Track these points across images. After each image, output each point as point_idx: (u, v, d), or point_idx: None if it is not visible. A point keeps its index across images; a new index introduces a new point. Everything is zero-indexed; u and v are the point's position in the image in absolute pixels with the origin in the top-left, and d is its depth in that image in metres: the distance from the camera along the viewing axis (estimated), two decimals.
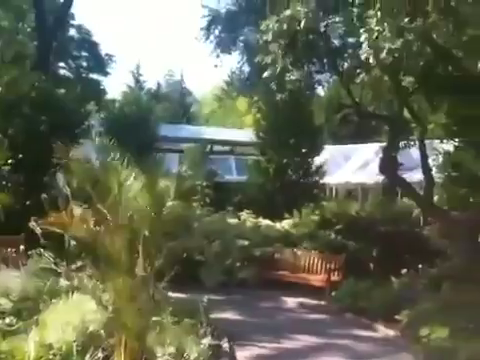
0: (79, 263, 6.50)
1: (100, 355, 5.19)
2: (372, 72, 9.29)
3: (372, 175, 15.06)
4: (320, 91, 21.59)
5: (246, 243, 11.41)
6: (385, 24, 7.51)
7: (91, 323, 5.73)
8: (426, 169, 11.24)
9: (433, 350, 6.66)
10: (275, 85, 9.99)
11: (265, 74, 9.52)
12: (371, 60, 7.67)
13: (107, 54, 30.76)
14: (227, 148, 23.68)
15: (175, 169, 18.51)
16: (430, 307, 7.63)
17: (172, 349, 5.45)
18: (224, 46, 14.66)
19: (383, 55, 7.40)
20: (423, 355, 6.79)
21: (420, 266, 9.83)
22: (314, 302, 10.22)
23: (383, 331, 8.33)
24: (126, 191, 5.42)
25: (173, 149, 21.24)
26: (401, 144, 13.62)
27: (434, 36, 9.62)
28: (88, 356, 5.11)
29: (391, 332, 8.15)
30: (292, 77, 9.43)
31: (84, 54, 30.30)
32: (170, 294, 7.33)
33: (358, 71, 9.51)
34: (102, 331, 5.62)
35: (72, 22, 28.48)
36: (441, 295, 8.11)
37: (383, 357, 7.11)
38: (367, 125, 22.52)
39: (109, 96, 30.72)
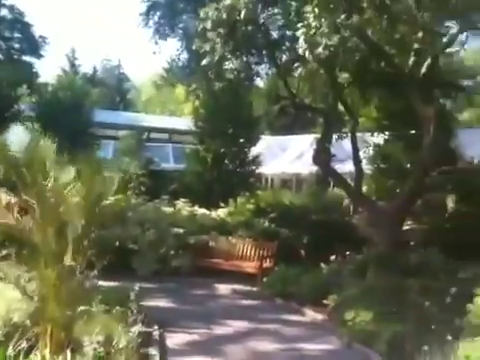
0: (3, 252, 6.28)
1: (24, 345, 5.04)
2: (308, 66, 9.47)
3: (307, 166, 15.46)
4: (259, 82, 21.78)
5: (181, 231, 11.39)
6: (322, 20, 7.68)
7: (16, 313, 5.57)
8: (356, 161, 11.68)
9: (358, 333, 6.98)
10: (213, 74, 9.99)
11: (203, 62, 9.48)
12: (307, 55, 7.82)
13: (41, 36, 29.49)
14: (165, 136, 23.46)
15: (110, 156, 18.23)
16: (356, 292, 7.97)
17: (100, 338, 5.38)
18: (163, 32, 14.37)
19: (319, 50, 7.57)
20: (348, 337, 7.10)
21: (348, 253, 10.22)
22: (246, 288, 10.40)
23: (311, 315, 8.61)
24: (55, 180, 5.31)
25: (109, 136, 20.79)
26: (334, 136, 14.09)
27: (369, 33, 9.97)
28: (11, 346, 4.94)
29: (319, 316, 8.43)
30: (231, 66, 9.45)
31: (16, 35, 28.95)
32: (102, 283, 7.24)
33: (295, 64, 9.67)
34: (27, 321, 5.46)
35: (3, 1, 27.08)
36: (366, 281, 8.50)
37: (310, 340, 7.35)
38: (303, 117, 23.01)
39: (42, 79, 29.48)
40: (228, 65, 9.45)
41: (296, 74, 10.69)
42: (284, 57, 11.47)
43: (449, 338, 5.84)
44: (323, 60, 8.89)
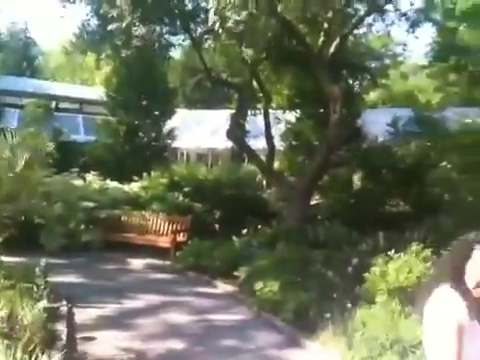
0: None
1: None
2: (221, 40, 9.44)
3: (222, 140, 15.54)
4: (177, 54, 21.35)
5: (91, 205, 11.06)
6: None
7: None
8: (269, 137, 11.97)
9: (265, 302, 7.25)
10: (121, 41, 9.64)
11: (109, 27, 9.11)
12: (216, 27, 7.79)
13: None
14: (75, 106, 22.42)
15: (14, 126, 17.14)
16: (265, 263, 8.26)
17: (3, 314, 5.16)
18: None
19: (229, 24, 7.56)
20: (257, 307, 7.38)
21: (259, 227, 10.53)
22: (159, 263, 10.36)
23: (223, 287, 8.80)
24: None
25: (13, 104, 19.49)
26: (249, 112, 14.27)
27: (281, 11, 10.08)
28: None
29: (230, 288, 8.63)
30: (139, 32, 9.15)
31: None
32: (7, 258, 6.93)
33: (206, 37, 9.60)
34: None
35: None
36: (275, 253, 8.82)
37: (221, 311, 7.54)
38: (220, 91, 23.05)
39: None
40: (136, 32, 9.13)
41: (207, 46, 10.61)
42: (199, 29, 11.35)
43: (349, 305, 6.27)
44: (234, 35, 8.92)
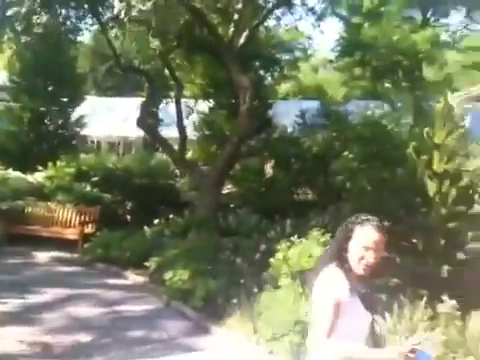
0: None
1: None
2: (126, 27, 9.26)
3: (135, 129, 15.27)
4: (87, 38, 20.56)
5: None
6: None
7: None
8: (181, 126, 11.95)
9: (175, 291, 7.30)
10: (20, 27, 9.09)
11: (9, 12, 8.56)
12: (122, 15, 7.63)
13: None
14: None
15: None
16: (176, 253, 8.29)
17: None
18: None
19: (134, 13, 7.44)
20: (167, 296, 7.42)
21: (171, 216, 10.52)
22: (67, 255, 10.01)
23: (133, 278, 8.71)
24: None
25: None
26: (162, 101, 14.11)
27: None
28: None
29: (140, 278, 8.57)
30: (42, 20, 8.69)
31: None
32: None
33: (112, 24, 9.35)
34: None
35: None
36: (186, 242, 8.88)
37: (131, 302, 7.47)
38: (132, 78, 22.58)
39: None
40: (37, 19, 8.66)
41: (114, 33, 10.37)
42: (108, 14, 11.04)
43: (255, 290, 6.49)
44: (142, 22, 8.76)
